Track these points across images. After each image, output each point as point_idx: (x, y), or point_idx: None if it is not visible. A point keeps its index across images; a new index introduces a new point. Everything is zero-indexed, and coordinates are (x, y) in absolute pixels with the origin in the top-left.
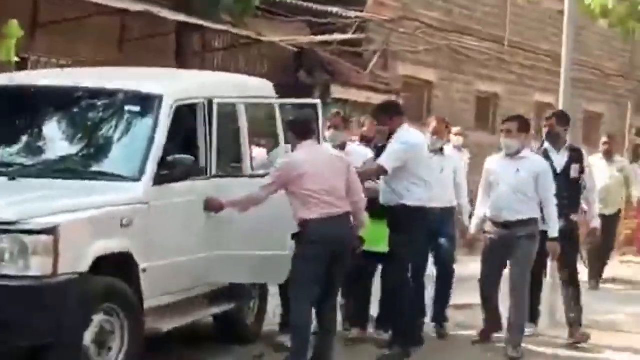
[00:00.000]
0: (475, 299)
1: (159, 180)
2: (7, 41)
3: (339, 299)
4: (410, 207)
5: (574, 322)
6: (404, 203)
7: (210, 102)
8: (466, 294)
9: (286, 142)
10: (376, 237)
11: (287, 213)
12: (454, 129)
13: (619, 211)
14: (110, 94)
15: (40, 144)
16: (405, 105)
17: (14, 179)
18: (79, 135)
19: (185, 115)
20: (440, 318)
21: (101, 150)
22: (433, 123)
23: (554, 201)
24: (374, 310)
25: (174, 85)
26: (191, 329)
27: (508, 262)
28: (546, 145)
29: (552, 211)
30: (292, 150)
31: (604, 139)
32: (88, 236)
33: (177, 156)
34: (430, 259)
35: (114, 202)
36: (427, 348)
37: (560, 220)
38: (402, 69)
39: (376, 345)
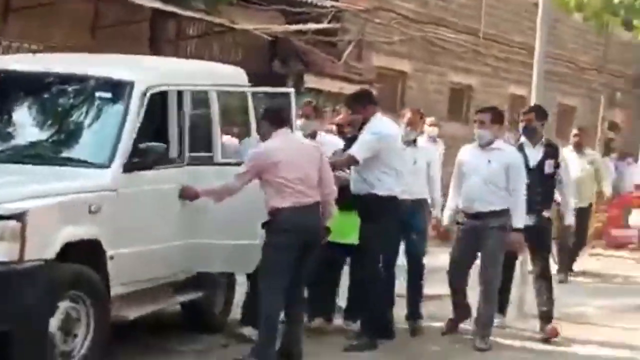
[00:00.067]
0: (446, 289)
1: (129, 167)
2: None
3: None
4: (381, 196)
5: (545, 317)
6: (375, 192)
7: (182, 90)
8: (437, 284)
9: (258, 131)
10: (346, 229)
11: (257, 202)
12: (429, 120)
13: (591, 205)
14: (81, 79)
15: (10, 129)
16: (379, 95)
17: None
18: (49, 121)
19: (156, 102)
20: (414, 315)
21: (71, 136)
22: (407, 114)
23: (523, 193)
24: (342, 301)
25: (145, 72)
26: (158, 317)
27: (478, 254)
28: (522, 139)
29: (520, 202)
30: (266, 139)
31: (574, 131)
32: (56, 222)
33: (149, 144)
34: (402, 249)
35: (82, 189)
36: (397, 340)
37: (532, 216)
38: (376, 59)
39: (344, 335)
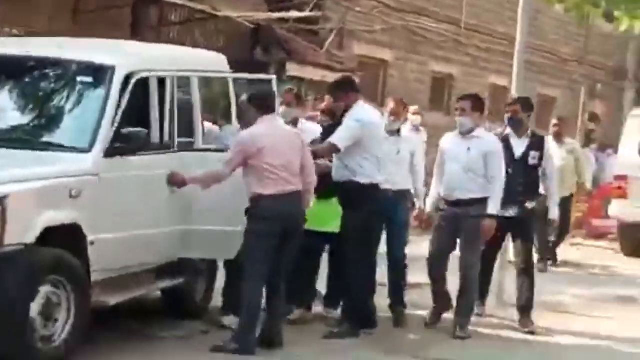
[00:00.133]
0: (427, 278)
1: (111, 152)
2: None
3: None
4: (363, 184)
5: (524, 309)
6: (357, 180)
7: (163, 75)
8: (418, 273)
9: (239, 117)
10: (326, 217)
11: (240, 188)
12: (412, 108)
13: (572, 195)
14: (63, 64)
15: None
16: (360, 84)
17: None
18: (30, 106)
19: (138, 87)
20: (397, 304)
21: (52, 120)
22: (391, 104)
23: (501, 180)
24: (322, 288)
25: (126, 56)
26: (139, 302)
27: (458, 242)
28: (508, 130)
29: (497, 189)
30: (251, 125)
31: (553, 121)
32: (36, 207)
33: (130, 129)
34: (383, 238)
35: (63, 173)
36: (379, 329)
37: (515, 207)
38: (357, 48)
39: (325, 323)
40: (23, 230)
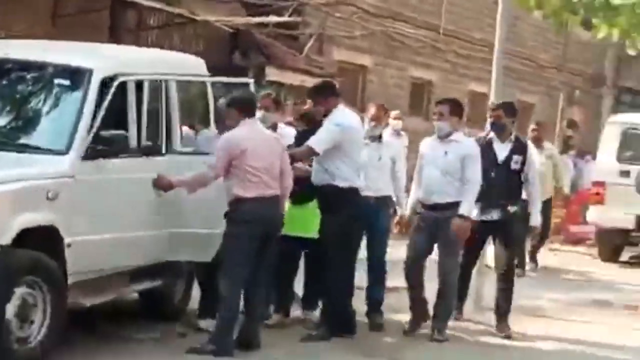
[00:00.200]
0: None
1: (89, 155)
2: None
3: None
4: (342, 187)
5: (503, 315)
6: (335, 184)
7: (141, 78)
8: (396, 277)
9: (217, 121)
10: (303, 222)
11: (220, 191)
12: (393, 113)
13: (550, 199)
14: (41, 66)
15: None
16: (340, 89)
17: None
18: (7, 108)
19: (116, 90)
20: (375, 312)
21: (29, 123)
22: (372, 109)
23: (476, 184)
24: (300, 290)
25: (104, 59)
26: (115, 304)
27: (435, 245)
28: (491, 135)
29: (470, 191)
30: (231, 127)
31: (532, 126)
32: (13, 208)
33: (108, 132)
34: (364, 243)
35: (40, 175)
36: (357, 333)
37: (497, 211)
38: (337, 53)
39: (303, 326)
40: None
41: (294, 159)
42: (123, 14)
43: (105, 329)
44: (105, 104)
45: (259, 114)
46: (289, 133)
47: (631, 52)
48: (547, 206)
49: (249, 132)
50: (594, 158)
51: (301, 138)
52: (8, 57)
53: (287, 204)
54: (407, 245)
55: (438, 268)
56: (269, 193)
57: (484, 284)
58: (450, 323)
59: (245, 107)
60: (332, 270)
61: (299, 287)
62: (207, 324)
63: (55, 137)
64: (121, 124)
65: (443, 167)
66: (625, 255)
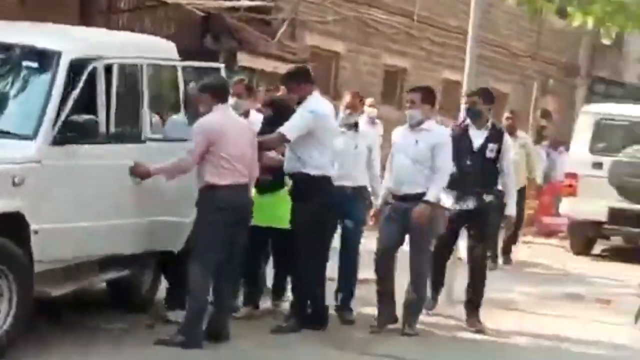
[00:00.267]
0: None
1: (58, 140)
2: None
3: None
4: (313, 175)
5: (472, 307)
6: (307, 171)
7: (111, 62)
8: (367, 268)
9: (187, 106)
10: (273, 212)
11: (189, 179)
12: (368, 100)
13: (524, 188)
14: (7, 48)
15: None
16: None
17: None
18: None
19: (84, 74)
20: (344, 307)
21: None
22: (347, 97)
23: (445, 172)
24: (269, 281)
25: (73, 41)
26: (83, 293)
27: (406, 236)
28: (467, 121)
29: (439, 178)
30: (199, 115)
31: (506, 114)
32: None
33: (78, 117)
34: (337, 233)
35: (5, 160)
36: (329, 327)
37: (472, 199)
38: (309, 38)
39: (273, 317)
40: None
41: (264, 145)
42: None
43: (72, 318)
44: (75, 87)
45: (231, 100)
46: (259, 120)
47: (606, 41)
48: (520, 196)
49: (223, 118)
50: (567, 149)
51: (268, 124)
52: None
53: (253, 193)
54: (377, 236)
55: (409, 260)
56: (242, 181)
57: (455, 277)
58: (421, 317)
59: (218, 93)
60: (302, 259)
61: (269, 278)
62: (176, 315)
63: (22, 121)
64: (91, 109)
65: (413, 156)
66: (597, 248)
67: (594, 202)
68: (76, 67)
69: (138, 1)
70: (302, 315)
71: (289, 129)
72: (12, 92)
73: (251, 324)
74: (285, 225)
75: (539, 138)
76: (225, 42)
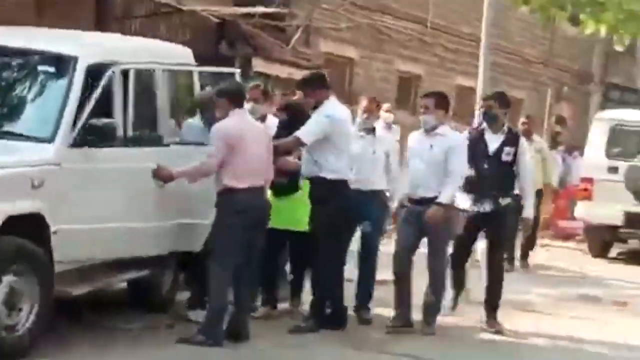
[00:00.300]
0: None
1: (76, 143)
2: None
3: None
4: (330, 179)
5: (493, 309)
6: (324, 175)
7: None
8: (385, 269)
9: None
10: (290, 214)
11: (208, 181)
12: (385, 106)
13: (540, 191)
14: (26, 53)
15: None
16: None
17: None
18: None
19: (101, 78)
20: (362, 308)
21: (15, 110)
22: (364, 102)
23: (459, 175)
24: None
25: (90, 47)
26: (103, 293)
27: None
28: (484, 125)
29: (451, 182)
30: (215, 119)
31: (522, 119)
32: None
33: (97, 120)
34: (357, 236)
35: (25, 163)
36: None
37: (489, 202)
38: (323, 45)
39: (290, 316)
40: None
41: (281, 149)
42: (109, 2)
43: (92, 318)
44: (92, 92)
45: (247, 105)
46: (275, 124)
47: (619, 48)
48: (536, 200)
49: (240, 122)
50: (582, 154)
51: (283, 128)
52: None
53: (269, 196)
54: (396, 239)
55: (427, 262)
56: (259, 184)
57: (473, 279)
58: (440, 317)
59: (235, 98)
60: (321, 261)
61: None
62: (197, 314)
63: (40, 125)
64: (109, 112)
65: (428, 160)
66: (614, 251)
67: (610, 206)
68: (93, 71)
69: (154, 7)
70: (321, 316)
71: (305, 133)
72: (31, 97)
73: (269, 324)
74: (302, 227)
75: (553, 144)
76: (240, 49)
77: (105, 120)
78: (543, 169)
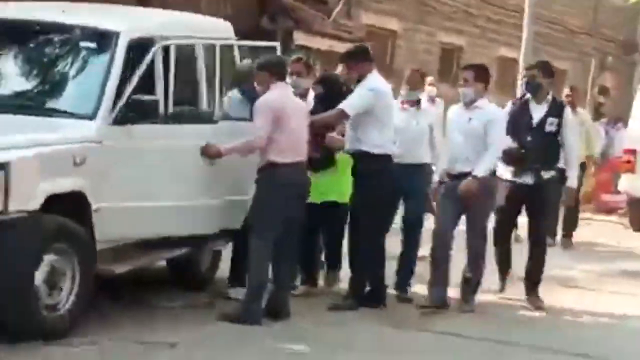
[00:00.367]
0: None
1: (118, 120)
2: None
3: None
4: (374, 154)
5: (534, 285)
6: (368, 150)
7: (168, 41)
8: (427, 245)
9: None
10: (326, 189)
11: (250, 157)
12: (428, 79)
13: (583, 164)
14: (67, 29)
15: None
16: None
17: None
18: (34, 71)
19: (144, 54)
20: (403, 286)
21: (56, 87)
22: (407, 73)
23: (497, 148)
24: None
25: (131, 22)
26: (143, 272)
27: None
28: (527, 95)
29: (489, 154)
30: (258, 92)
31: (566, 91)
32: (40, 174)
33: (139, 96)
34: (400, 211)
35: (66, 140)
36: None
37: (531, 175)
38: (365, 17)
39: (330, 294)
40: (26, 198)
41: (324, 122)
42: None
43: (133, 296)
44: (134, 68)
45: (289, 79)
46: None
47: None
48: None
49: (282, 95)
50: (625, 125)
51: (320, 102)
52: (34, 19)
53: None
54: (435, 215)
55: (466, 238)
56: (300, 159)
57: (513, 254)
58: (484, 297)
59: (276, 70)
60: (362, 237)
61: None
62: (236, 292)
63: (82, 102)
64: (151, 89)
65: (467, 133)
66: None
67: None
68: (135, 47)
69: None
70: (361, 294)
71: (349, 105)
72: (72, 73)
73: (309, 301)
74: (340, 199)
75: (596, 115)
76: (281, 22)
77: (149, 97)
78: (586, 141)
